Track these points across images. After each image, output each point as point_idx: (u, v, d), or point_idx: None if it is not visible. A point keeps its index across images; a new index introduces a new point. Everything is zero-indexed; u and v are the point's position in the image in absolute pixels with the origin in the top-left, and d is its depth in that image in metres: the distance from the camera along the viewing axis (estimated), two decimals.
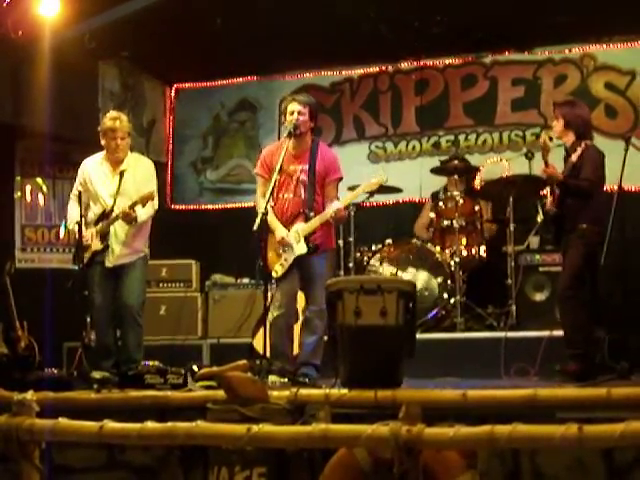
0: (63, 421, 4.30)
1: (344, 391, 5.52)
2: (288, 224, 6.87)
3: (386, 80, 10.34)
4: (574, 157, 6.77)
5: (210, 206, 10.83)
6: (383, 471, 4.39)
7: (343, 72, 10.47)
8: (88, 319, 7.14)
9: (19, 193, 9.43)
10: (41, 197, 9.54)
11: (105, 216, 7.25)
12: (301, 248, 6.82)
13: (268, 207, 6.63)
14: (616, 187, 6.45)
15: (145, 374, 6.44)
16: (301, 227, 6.83)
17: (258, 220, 6.51)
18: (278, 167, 6.74)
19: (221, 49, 9.58)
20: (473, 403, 5.16)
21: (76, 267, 7.24)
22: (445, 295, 8.45)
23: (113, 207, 7.23)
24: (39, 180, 9.52)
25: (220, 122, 10.94)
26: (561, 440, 3.50)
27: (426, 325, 8.28)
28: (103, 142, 7.36)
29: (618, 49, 9.52)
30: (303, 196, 6.90)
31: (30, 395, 4.44)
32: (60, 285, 7.55)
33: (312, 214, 6.84)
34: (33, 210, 9.52)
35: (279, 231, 6.84)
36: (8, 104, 8.58)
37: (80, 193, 7.29)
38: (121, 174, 7.30)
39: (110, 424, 4.19)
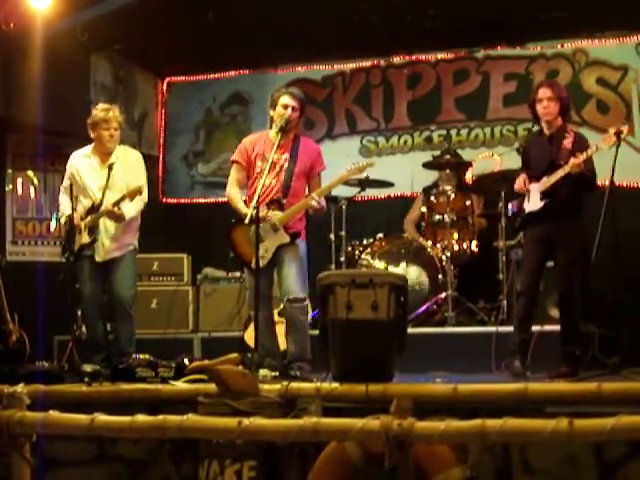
0: (54, 414, 4.30)
1: (335, 385, 5.53)
2: (267, 208, 6.86)
3: (378, 74, 10.34)
4: (566, 143, 6.69)
5: (202, 200, 10.83)
6: (374, 465, 4.41)
7: (335, 66, 10.48)
8: (79, 312, 7.15)
9: (10, 186, 9.40)
10: (32, 190, 9.51)
11: (94, 210, 7.24)
12: (283, 238, 6.82)
13: (259, 201, 6.62)
14: (607, 182, 6.45)
15: (136, 367, 6.45)
16: (278, 217, 6.83)
17: (249, 214, 6.51)
18: (270, 161, 6.76)
19: (213, 42, 9.56)
20: (464, 397, 5.17)
21: (64, 259, 7.23)
22: (436, 289, 8.46)
23: (102, 201, 7.22)
24: (30, 173, 9.49)
25: (212, 116, 10.93)
26: (552, 434, 3.51)
27: (417, 319, 8.27)
28: (94, 134, 7.35)
29: (610, 44, 9.53)
30: (282, 182, 6.92)
31: (21, 388, 4.44)
32: (51, 278, 7.54)
33: (284, 201, 6.85)
34: (24, 203, 9.50)
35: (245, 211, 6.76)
36: None
37: (71, 186, 7.28)
38: (110, 167, 7.28)
39: (101, 417, 4.19)
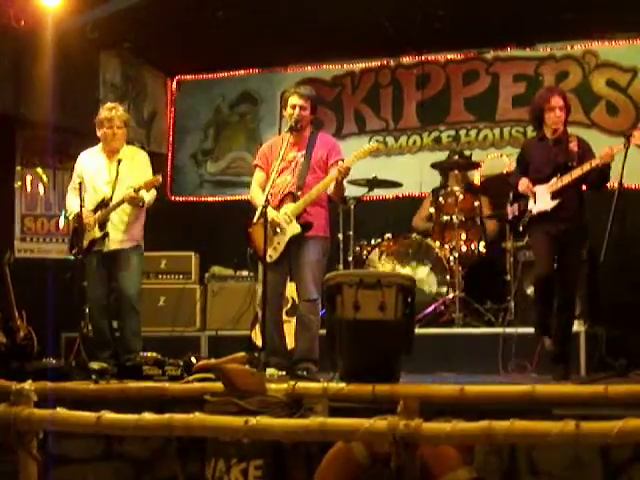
0: (61, 411, 4.31)
1: (342, 385, 5.52)
2: (280, 203, 6.88)
3: (387, 74, 10.34)
4: (572, 146, 6.70)
5: (210, 198, 10.84)
6: (380, 465, 4.41)
7: (345, 66, 10.47)
8: (86, 309, 7.17)
9: (19, 183, 9.42)
10: (41, 187, 9.53)
11: (104, 204, 7.28)
12: (294, 228, 6.82)
13: (268, 198, 6.62)
14: (616, 184, 6.44)
15: (143, 365, 6.45)
16: (290, 208, 6.84)
17: (258, 212, 6.52)
18: (279, 159, 6.77)
19: (223, 41, 9.57)
20: (471, 398, 5.16)
21: (71, 257, 7.24)
22: (444, 290, 8.45)
23: (112, 196, 7.25)
24: (39, 170, 9.51)
25: (221, 114, 10.94)
26: (558, 437, 3.51)
27: (425, 320, 8.27)
28: (99, 133, 7.43)
29: (620, 46, 9.51)
30: (297, 177, 6.93)
31: (28, 385, 4.44)
32: (59, 275, 7.56)
33: (299, 194, 6.85)
34: (33, 200, 9.52)
35: (269, 213, 6.78)
36: (9, 94, 8.58)
37: (80, 185, 7.30)
38: (118, 162, 7.32)
39: (108, 415, 4.19)
